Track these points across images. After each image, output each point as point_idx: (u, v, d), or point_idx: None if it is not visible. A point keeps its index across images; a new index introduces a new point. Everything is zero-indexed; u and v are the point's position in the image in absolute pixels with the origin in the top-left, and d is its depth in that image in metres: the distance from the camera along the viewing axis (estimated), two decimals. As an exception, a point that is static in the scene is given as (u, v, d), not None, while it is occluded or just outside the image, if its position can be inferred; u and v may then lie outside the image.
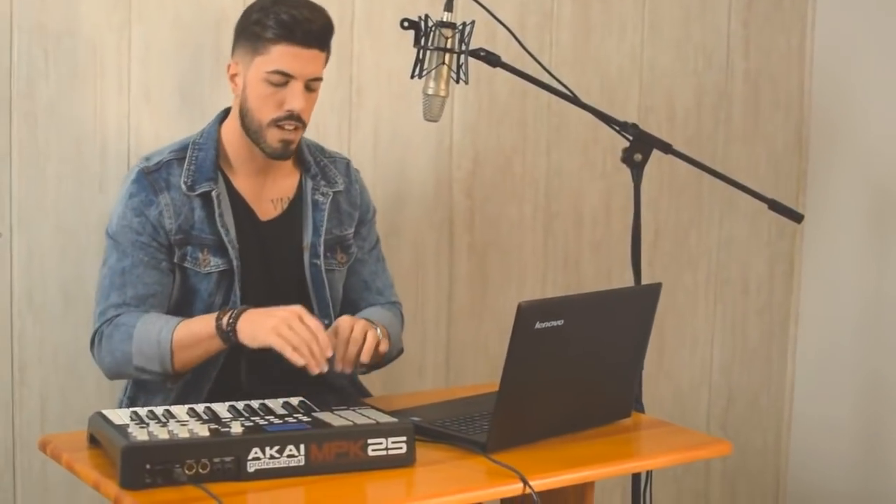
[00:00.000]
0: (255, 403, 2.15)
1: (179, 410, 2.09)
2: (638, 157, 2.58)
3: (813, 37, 3.52)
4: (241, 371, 2.42)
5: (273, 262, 2.44)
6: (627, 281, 3.38)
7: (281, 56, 2.31)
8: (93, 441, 2.06)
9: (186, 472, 1.86)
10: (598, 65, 3.21)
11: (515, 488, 1.99)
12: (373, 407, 2.15)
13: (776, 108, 3.52)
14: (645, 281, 3.40)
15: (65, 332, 2.70)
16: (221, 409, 2.11)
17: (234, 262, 2.38)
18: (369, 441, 1.99)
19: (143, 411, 2.07)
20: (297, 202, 2.49)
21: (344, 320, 2.29)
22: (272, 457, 1.92)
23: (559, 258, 3.27)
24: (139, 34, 2.70)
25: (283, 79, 2.32)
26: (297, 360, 2.11)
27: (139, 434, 1.88)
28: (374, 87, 2.98)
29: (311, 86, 2.36)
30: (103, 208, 2.72)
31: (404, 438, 2.02)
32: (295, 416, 2.06)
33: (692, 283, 3.48)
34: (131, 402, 2.43)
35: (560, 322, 2.11)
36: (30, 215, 2.63)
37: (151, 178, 2.37)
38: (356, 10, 2.92)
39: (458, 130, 3.08)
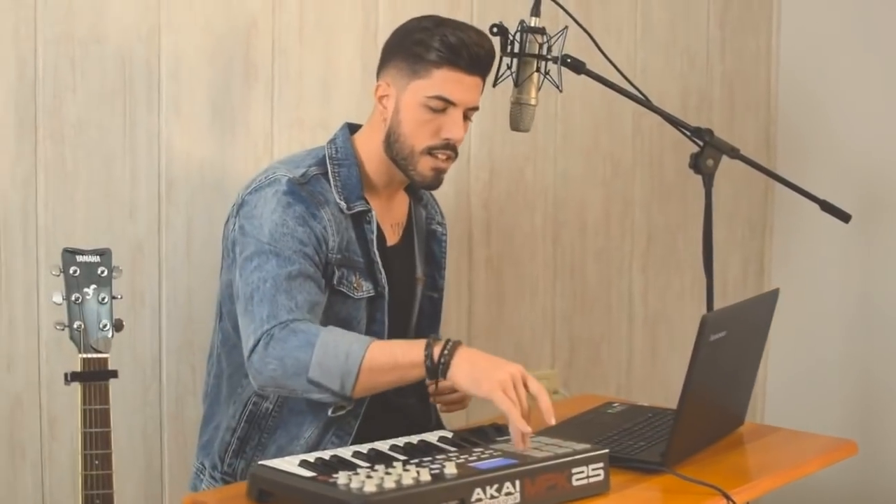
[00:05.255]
0: (413, 440, 1.99)
1: (346, 453, 1.90)
2: (710, 162, 2.53)
3: (779, 38, 3.58)
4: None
5: (395, 289, 2.25)
6: (626, 287, 3.35)
7: (444, 81, 2.13)
8: (261, 497, 1.84)
9: (415, 520, 1.69)
10: (598, 67, 3.15)
11: (717, 505, 1.92)
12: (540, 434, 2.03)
13: (747, 109, 3.57)
14: (637, 287, 3.38)
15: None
16: (385, 448, 1.94)
17: (385, 288, 2.19)
18: (573, 471, 1.87)
19: (310, 457, 1.86)
20: (409, 230, 2.33)
21: None
22: (492, 496, 1.77)
23: (566, 267, 3.19)
24: (168, 42, 2.46)
25: (444, 105, 2.14)
26: (524, 427, 1.89)
27: (364, 485, 1.68)
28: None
29: (468, 115, 2.19)
30: (133, 237, 2.46)
31: (601, 465, 1.91)
32: (477, 450, 1.91)
33: (679, 286, 3.48)
34: (242, 443, 2.15)
35: (724, 333, 2.05)
36: (57, 246, 2.33)
37: (307, 190, 2.12)
38: (380, 21, 2.75)
39: (476, 142, 2.96)
